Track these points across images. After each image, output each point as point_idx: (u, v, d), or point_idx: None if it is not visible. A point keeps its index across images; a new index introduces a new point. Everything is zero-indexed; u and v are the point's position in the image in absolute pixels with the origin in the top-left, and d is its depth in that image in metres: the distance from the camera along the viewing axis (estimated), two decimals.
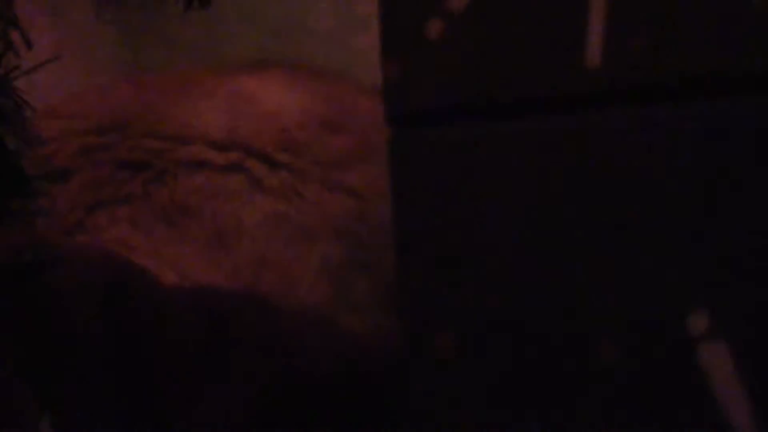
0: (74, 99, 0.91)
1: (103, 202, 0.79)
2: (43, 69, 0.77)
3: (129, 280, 0.64)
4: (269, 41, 1.55)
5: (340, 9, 1.55)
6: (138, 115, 0.85)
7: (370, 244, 0.83)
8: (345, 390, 0.73)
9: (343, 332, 0.77)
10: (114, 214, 0.78)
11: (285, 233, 0.80)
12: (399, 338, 0.80)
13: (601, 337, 0.54)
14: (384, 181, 0.87)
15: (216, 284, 0.73)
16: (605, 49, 0.54)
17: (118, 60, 1.50)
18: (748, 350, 0.51)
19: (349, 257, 0.82)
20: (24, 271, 0.51)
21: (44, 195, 0.69)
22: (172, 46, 1.51)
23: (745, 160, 0.51)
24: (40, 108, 0.88)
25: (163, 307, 0.64)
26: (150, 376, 0.62)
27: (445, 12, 0.58)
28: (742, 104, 0.51)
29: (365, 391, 0.74)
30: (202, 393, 0.66)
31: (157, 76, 0.95)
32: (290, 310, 0.75)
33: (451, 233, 0.58)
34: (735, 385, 0.51)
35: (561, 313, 0.55)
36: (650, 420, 0.53)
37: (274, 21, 1.55)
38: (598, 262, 0.55)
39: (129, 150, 0.82)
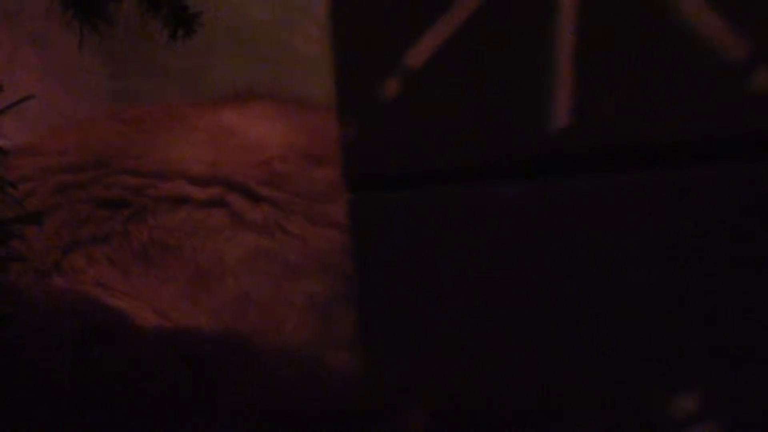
0: (53, 135, 0.89)
1: (81, 242, 0.77)
2: (29, 103, 0.75)
3: (104, 324, 0.62)
4: (258, 67, 1.54)
5: (326, 36, 1.54)
6: (117, 152, 0.83)
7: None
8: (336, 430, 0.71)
9: (331, 372, 0.75)
10: (92, 254, 0.76)
11: (269, 270, 0.78)
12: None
13: (571, 415, 0.52)
14: None
15: (198, 326, 0.71)
16: (571, 112, 0.51)
17: (105, 90, 1.49)
18: None
19: (335, 292, 0.80)
20: None
21: (18, 238, 0.67)
22: (160, 75, 1.50)
23: (718, 230, 0.48)
24: (23, 144, 0.86)
25: (140, 351, 0.62)
26: (127, 425, 0.60)
27: (401, 72, 0.56)
28: (714, 171, 0.49)
29: (357, 430, 0.72)
30: None
31: (138, 111, 0.93)
32: (276, 351, 0.73)
33: (413, 302, 0.56)
34: None
35: (526, 390, 0.53)
36: None
37: (263, 47, 1.54)
38: (563, 334, 0.52)
39: (107, 187, 0.80)
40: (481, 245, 0.54)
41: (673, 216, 0.49)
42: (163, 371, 0.63)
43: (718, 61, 0.48)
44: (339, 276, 0.80)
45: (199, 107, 0.93)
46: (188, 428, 0.63)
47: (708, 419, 0.49)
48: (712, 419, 0.49)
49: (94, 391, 0.58)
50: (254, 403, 0.68)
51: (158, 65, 1.54)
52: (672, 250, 0.50)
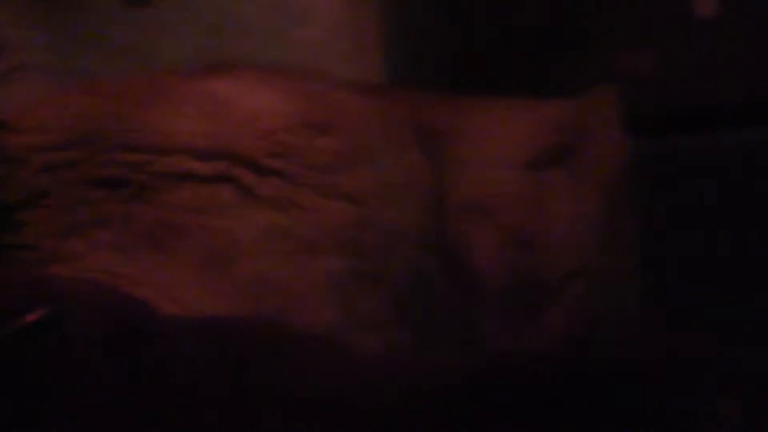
0: (25, 112, 0.80)
1: (78, 226, 0.70)
2: None
3: (131, 317, 0.55)
4: (207, 39, 1.46)
5: (277, 4, 1.48)
6: (105, 127, 0.76)
7: (374, 253, 0.76)
8: (365, 414, 0.66)
9: (358, 354, 0.70)
10: (92, 238, 0.69)
11: (285, 248, 0.72)
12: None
13: None
14: (380, 183, 0.80)
15: (220, 312, 0.65)
16: None
17: (47, 67, 1.39)
18: None
19: (354, 269, 0.75)
20: (42, 326, 0.42)
21: (26, 225, 0.60)
22: (106, 50, 1.40)
23: None
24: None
25: (173, 344, 0.56)
26: (167, 415, 0.54)
27: None
28: None
29: (386, 412, 0.67)
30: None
31: (114, 83, 0.85)
32: (301, 333, 0.67)
33: None
34: None
35: None
36: None
37: (212, 19, 1.46)
38: None
39: (101, 166, 0.73)
40: None
41: None
42: (198, 362, 0.57)
43: None
44: (357, 252, 0.75)
45: (181, 78, 0.85)
46: (230, 416, 0.57)
47: None
48: None
49: (134, 388, 0.52)
50: (291, 389, 0.62)
51: (102, 39, 1.44)
52: None
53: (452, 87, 1.08)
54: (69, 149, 0.74)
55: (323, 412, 0.64)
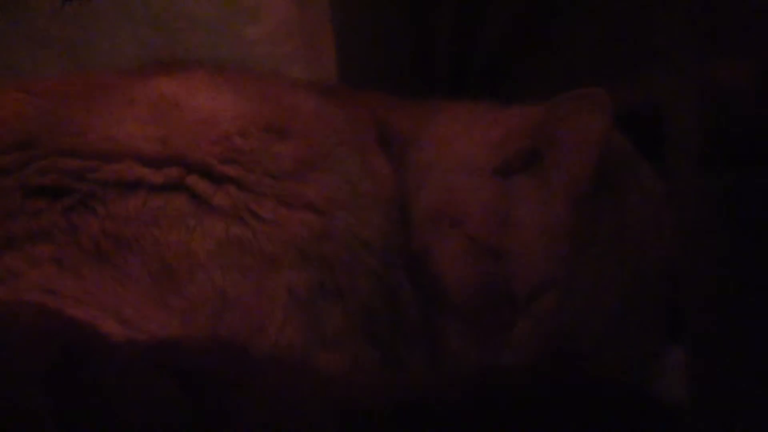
0: None
1: (16, 240, 0.64)
2: None
3: (76, 346, 0.50)
4: (151, 35, 1.40)
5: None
6: (45, 130, 0.69)
7: (338, 266, 0.72)
8: None
9: (323, 375, 0.66)
10: (32, 253, 0.63)
11: (244, 262, 0.67)
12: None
13: None
14: (343, 191, 0.76)
15: (175, 335, 0.59)
16: None
17: None
18: None
19: (318, 284, 0.70)
20: None
21: None
22: (42, 45, 1.33)
23: None
24: None
25: (124, 377, 0.50)
26: None
27: None
28: None
29: None
30: None
31: (52, 83, 0.79)
32: (262, 354, 0.62)
33: None
34: None
35: None
36: None
37: (156, 13, 1.39)
38: None
39: (40, 172, 0.66)
40: None
41: None
42: (151, 388, 0.52)
43: None
44: (320, 265, 0.71)
45: (125, 77, 0.79)
46: None
47: None
48: None
49: (79, 420, 0.47)
50: (252, 414, 0.57)
51: (37, 35, 1.37)
52: None
53: (411, 90, 1.04)
54: (3, 154, 0.67)
55: None
